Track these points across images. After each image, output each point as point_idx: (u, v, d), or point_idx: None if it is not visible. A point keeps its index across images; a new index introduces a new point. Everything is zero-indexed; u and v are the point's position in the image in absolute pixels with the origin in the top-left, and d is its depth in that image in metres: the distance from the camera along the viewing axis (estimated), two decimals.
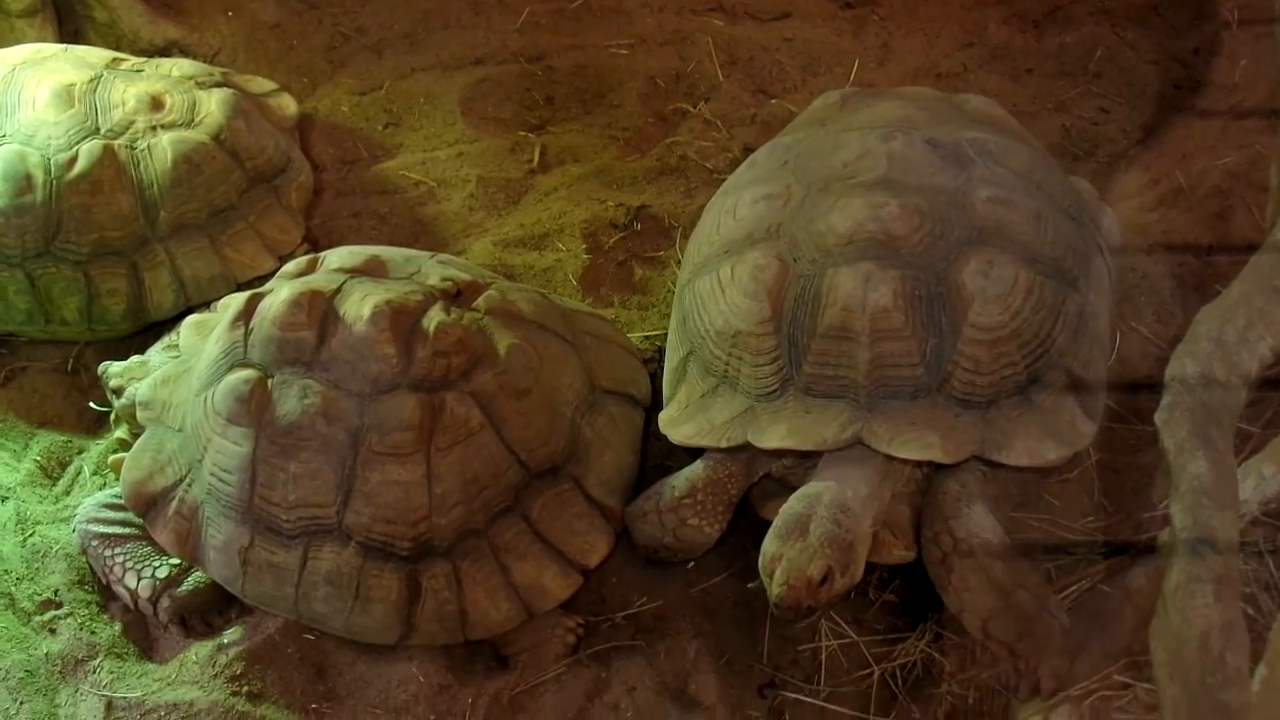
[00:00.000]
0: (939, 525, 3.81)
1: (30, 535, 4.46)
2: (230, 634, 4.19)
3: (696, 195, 5.45)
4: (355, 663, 4.11)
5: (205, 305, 4.93)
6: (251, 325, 4.12)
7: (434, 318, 4.06)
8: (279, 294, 4.13)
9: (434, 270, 4.32)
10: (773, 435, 3.88)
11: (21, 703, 4.02)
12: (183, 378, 4.32)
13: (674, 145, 5.68)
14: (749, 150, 5.54)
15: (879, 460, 3.83)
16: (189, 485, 4.17)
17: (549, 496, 4.13)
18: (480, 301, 4.22)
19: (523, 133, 5.81)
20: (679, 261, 5.15)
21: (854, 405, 3.86)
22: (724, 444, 3.97)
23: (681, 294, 4.33)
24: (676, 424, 4.13)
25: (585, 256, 5.26)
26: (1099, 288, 4.19)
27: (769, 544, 3.68)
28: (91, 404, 4.89)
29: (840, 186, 4.11)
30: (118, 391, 4.55)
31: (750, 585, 3.87)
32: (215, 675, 4.08)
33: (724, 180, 5.36)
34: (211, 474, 4.08)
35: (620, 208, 5.43)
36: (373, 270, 4.28)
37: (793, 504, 3.74)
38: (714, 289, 4.11)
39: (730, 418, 4.00)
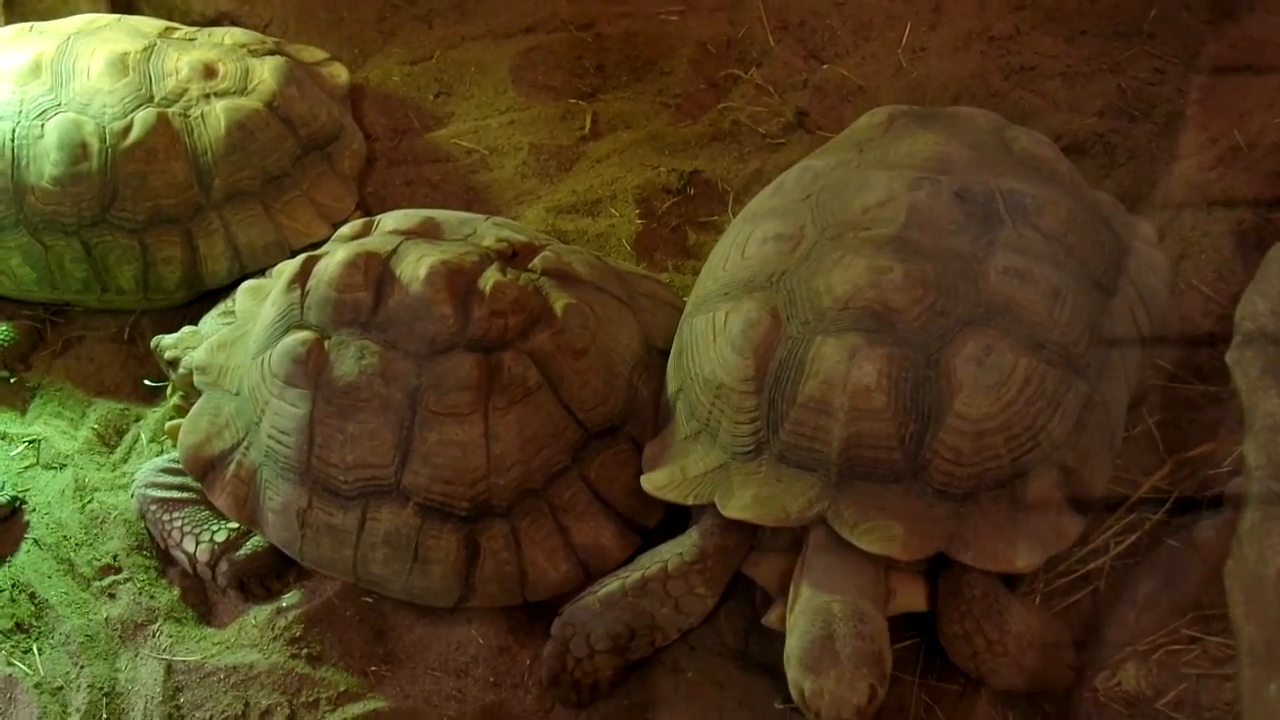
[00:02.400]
0: (969, 624, 3.65)
1: (89, 502, 4.49)
2: (288, 598, 4.20)
3: (750, 159, 5.45)
4: (414, 626, 4.11)
5: (260, 273, 4.93)
6: (308, 287, 4.12)
7: (490, 278, 4.05)
8: (335, 256, 4.13)
9: (489, 232, 4.31)
10: (737, 503, 3.74)
11: (82, 667, 4.04)
12: (239, 342, 4.33)
13: (726, 111, 5.68)
14: (802, 114, 5.57)
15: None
16: (247, 448, 4.17)
17: (607, 456, 4.12)
18: (536, 262, 4.21)
19: (574, 100, 5.82)
20: None
21: (825, 481, 3.70)
22: (690, 501, 3.86)
23: (682, 325, 4.22)
24: (654, 466, 4.02)
25: (639, 221, 5.26)
26: (1115, 372, 3.96)
27: (802, 680, 3.49)
28: (146, 381, 4.91)
29: (852, 238, 3.93)
30: (174, 363, 4.56)
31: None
32: (274, 638, 4.08)
33: (777, 145, 5.39)
34: (269, 436, 4.09)
35: (673, 173, 5.43)
36: (428, 232, 4.27)
37: (807, 627, 3.54)
38: (707, 332, 4.00)
39: (704, 472, 3.89)
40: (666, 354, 4.29)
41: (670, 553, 3.89)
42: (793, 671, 3.51)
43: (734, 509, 3.74)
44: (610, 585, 3.88)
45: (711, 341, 3.96)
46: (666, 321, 4.42)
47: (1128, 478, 4.08)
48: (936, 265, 3.81)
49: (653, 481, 3.97)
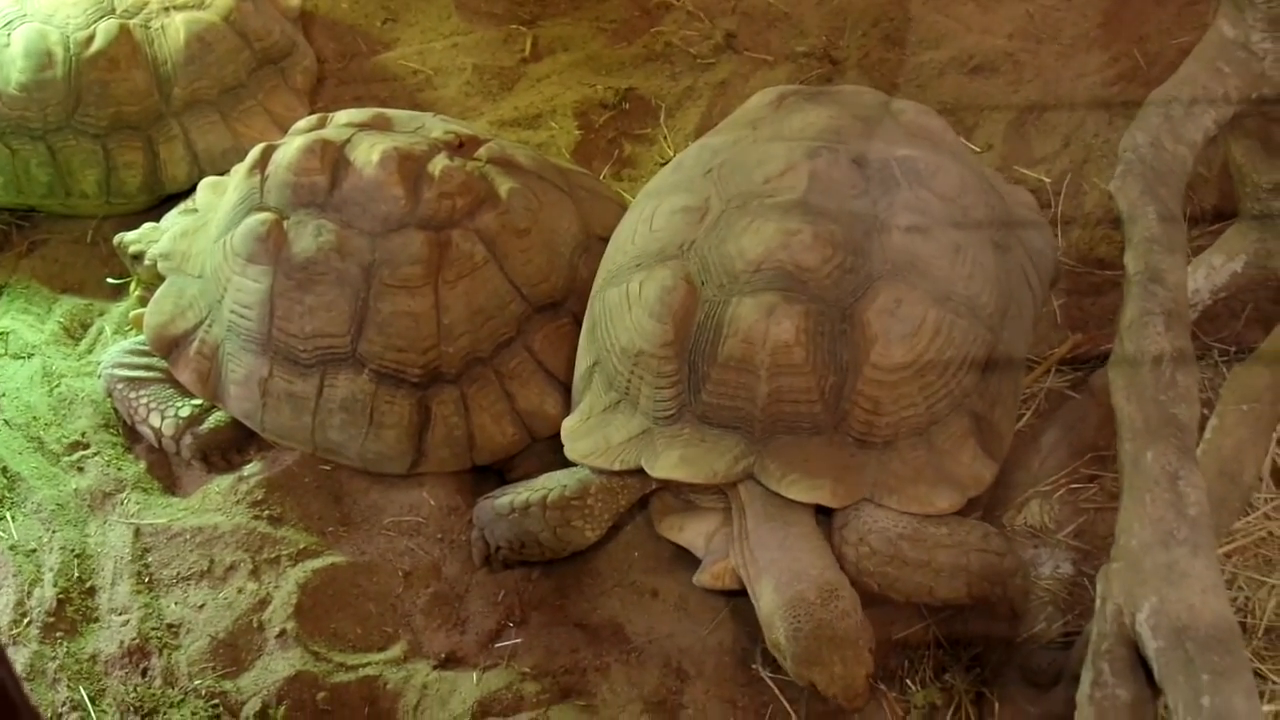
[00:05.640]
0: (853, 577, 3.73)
1: (56, 386, 4.70)
2: (250, 468, 4.42)
3: (681, 78, 5.76)
4: (369, 490, 4.35)
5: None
6: (267, 173, 4.38)
7: (439, 163, 4.32)
8: (292, 143, 4.39)
9: (437, 126, 4.57)
10: (665, 463, 3.80)
11: (54, 532, 4.23)
12: (201, 230, 4.57)
13: (659, 34, 5.99)
14: (730, 37, 5.86)
15: (809, 511, 3.79)
16: (209, 326, 4.41)
17: (550, 330, 4.38)
18: (482, 151, 4.47)
19: (515, 26, 6.11)
20: (666, 137, 5.44)
21: (749, 438, 3.78)
22: (617, 466, 3.89)
23: (593, 301, 4.23)
24: (576, 437, 4.06)
25: (577, 133, 5.55)
26: (1016, 323, 4.07)
27: (809, 674, 3.53)
28: (109, 278, 5.13)
29: (758, 206, 3.97)
30: (138, 257, 4.80)
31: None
32: (237, 502, 4.30)
33: (707, 65, 5.68)
34: (232, 311, 4.33)
35: (609, 90, 5.74)
36: (379, 125, 4.52)
37: (792, 624, 3.56)
38: (622, 303, 4.01)
39: (627, 438, 3.93)
40: (606, 240, 4.46)
41: (557, 483, 4.02)
42: (796, 668, 3.56)
43: (662, 469, 3.81)
44: (504, 497, 4.07)
45: (627, 311, 3.98)
46: (604, 211, 4.68)
47: (1035, 351, 4.40)
48: (843, 226, 3.88)
49: (577, 450, 4.02)
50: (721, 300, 3.83)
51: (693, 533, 4.02)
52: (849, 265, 3.82)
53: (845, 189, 3.98)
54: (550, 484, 4.03)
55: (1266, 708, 3.22)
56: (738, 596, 3.89)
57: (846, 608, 3.57)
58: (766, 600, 3.65)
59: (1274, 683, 3.34)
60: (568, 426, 4.12)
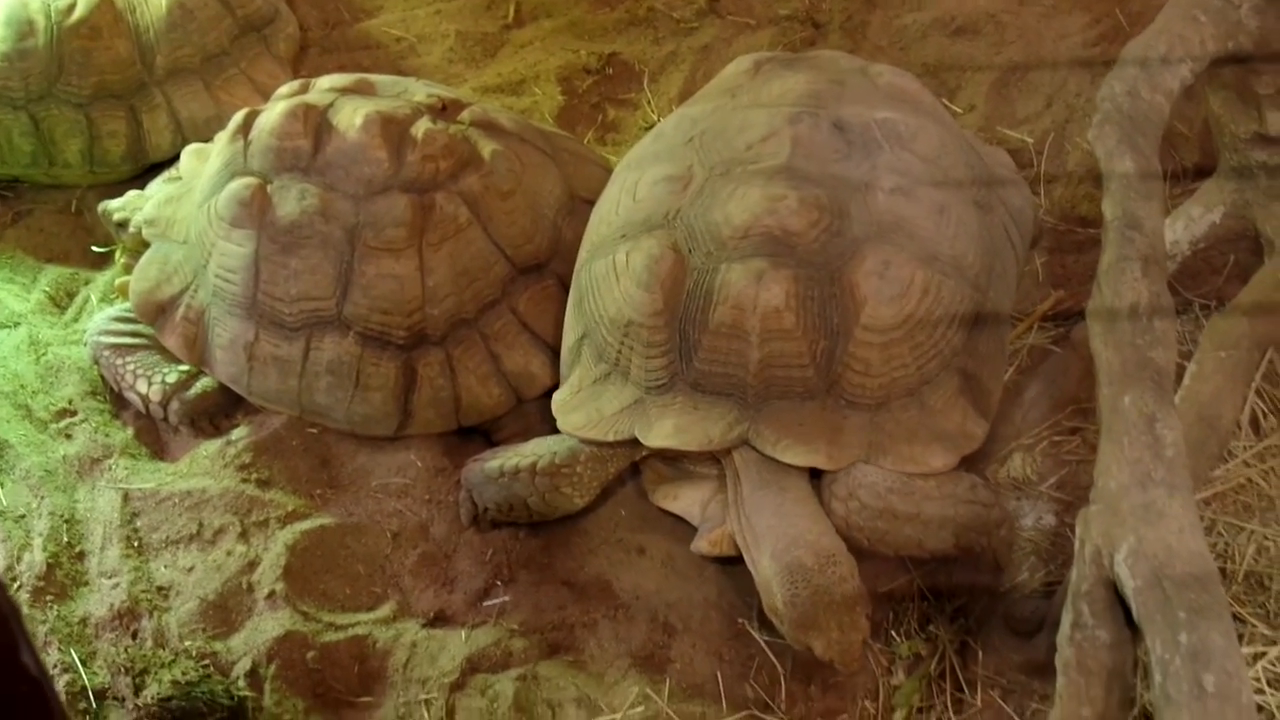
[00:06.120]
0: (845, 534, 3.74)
1: (43, 355, 4.72)
2: (237, 432, 4.44)
3: (664, 43, 5.76)
4: (357, 454, 4.38)
5: None
6: (250, 138, 4.38)
7: (422, 126, 4.32)
8: (275, 108, 4.39)
9: (420, 90, 4.58)
10: (659, 432, 3.79)
11: (42, 498, 4.24)
12: (185, 196, 4.58)
13: None
14: (713, 1, 5.87)
15: (804, 475, 3.80)
16: (195, 291, 4.43)
17: (535, 291, 4.40)
18: (465, 115, 4.48)
19: None
20: (649, 102, 5.45)
21: (742, 404, 3.77)
22: (611, 437, 3.87)
23: (579, 273, 4.20)
24: (567, 410, 4.03)
25: (560, 99, 5.57)
26: (1001, 281, 4.08)
27: (806, 639, 3.54)
28: (94, 246, 5.14)
29: (741, 172, 3.98)
30: (122, 224, 4.80)
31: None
32: (225, 466, 4.33)
33: (691, 29, 5.69)
34: (217, 276, 4.34)
35: (592, 55, 5.75)
36: (362, 89, 4.53)
37: (790, 590, 3.55)
38: (609, 274, 3.99)
39: (620, 409, 3.92)
40: (589, 203, 4.47)
41: (547, 449, 4.01)
42: (793, 633, 3.56)
43: (656, 438, 3.80)
44: (494, 461, 4.07)
45: (615, 282, 3.97)
46: (588, 173, 4.70)
47: (1019, 308, 4.42)
48: (827, 190, 3.88)
49: (570, 423, 3.99)
50: (710, 268, 3.82)
51: (687, 500, 4.03)
52: (835, 229, 3.81)
53: (828, 153, 3.99)
54: (540, 450, 4.02)
55: (1245, 649, 3.25)
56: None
57: (844, 573, 3.56)
58: (764, 566, 3.65)
59: (1253, 626, 3.38)
60: (558, 400, 4.10)
